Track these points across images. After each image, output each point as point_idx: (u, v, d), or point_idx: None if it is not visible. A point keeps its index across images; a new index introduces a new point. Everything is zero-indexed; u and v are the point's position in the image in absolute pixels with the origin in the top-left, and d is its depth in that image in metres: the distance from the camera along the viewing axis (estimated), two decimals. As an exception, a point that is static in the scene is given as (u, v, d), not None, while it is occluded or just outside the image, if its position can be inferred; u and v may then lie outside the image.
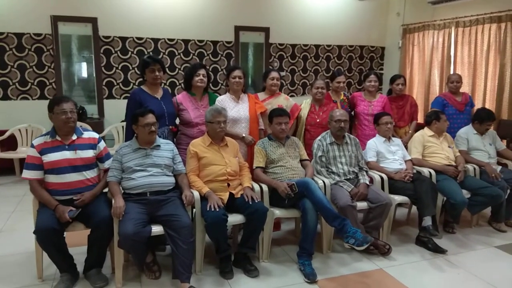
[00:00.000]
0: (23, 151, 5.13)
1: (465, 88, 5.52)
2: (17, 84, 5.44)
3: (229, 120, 3.17)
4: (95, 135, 2.78)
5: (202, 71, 3.25)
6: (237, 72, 3.35)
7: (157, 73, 3.07)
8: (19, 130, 5.24)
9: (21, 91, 5.47)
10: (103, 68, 5.79)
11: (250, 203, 2.78)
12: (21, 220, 3.72)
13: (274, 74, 3.62)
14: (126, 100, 5.98)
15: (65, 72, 5.74)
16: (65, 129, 2.60)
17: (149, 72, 3.07)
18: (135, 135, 2.82)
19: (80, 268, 2.68)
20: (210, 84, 3.47)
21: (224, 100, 3.36)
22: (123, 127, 5.47)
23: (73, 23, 5.59)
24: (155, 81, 3.10)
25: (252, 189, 2.95)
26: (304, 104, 3.81)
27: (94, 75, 5.81)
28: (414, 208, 3.59)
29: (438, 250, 3.17)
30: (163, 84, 3.34)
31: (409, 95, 4.64)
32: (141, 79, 5.75)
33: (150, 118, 2.73)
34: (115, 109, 5.77)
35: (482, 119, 3.84)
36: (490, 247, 3.31)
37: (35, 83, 5.51)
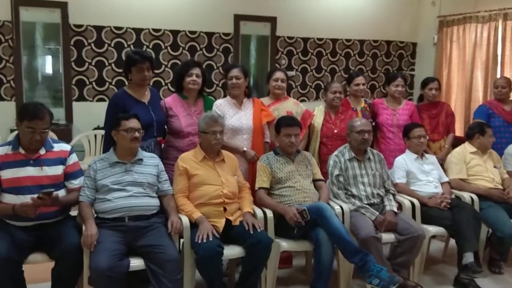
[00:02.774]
0: (-28, 164, 5.16)
1: (515, 95, 5.57)
2: (-33, 81, 5.50)
3: (227, 130, 3.22)
4: (67, 147, 2.82)
5: (195, 71, 3.30)
6: (234, 72, 3.40)
7: (146, 73, 3.12)
8: (-32, 137, 5.28)
9: (-28, 90, 5.53)
10: (73, 63, 5.83)
11: (251, 232, 2.80)
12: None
13: (278, 74, 3.68)
14: (99, 103, 6.05)
15: (27, 67, 5.78)
16: (30, 146, 2.64)
17: (136, 71, 3.10)
18: (112, 147, 2.86)
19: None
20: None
21: (223, 105, 3.41)
22: (95, 136, 5.52)
23: (38, 8, 5.65)
24: (142, 82, 3.16)
25: (254, 215, 2.97)
26: (317, 111, 3.86)
27: (62, 71, 5.85)
28: (452, 242, 3.59)
29: (482, 294, 3.17)
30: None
31: (445, 102, 4.69)
32: (118, 78, 5.91)
33: (135, 122, 2.79)
34: (87, 114, 5.80)
35: None
36: (546, 291, 3.32)
37: (-11, 81, 5.57)
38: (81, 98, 5.92)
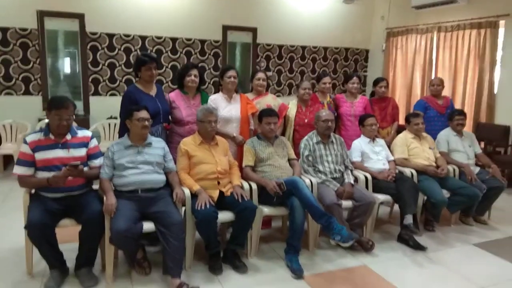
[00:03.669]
0: (7, 147, 5.09)
1: (445, 92, 5.67)
2: (1, 79, 5.35)
3: (220, 119, 3.23)
4: (89, 133, 2.80)
5: (194, 71, 3.30)
6: (232, 72, 3.41)
7: (153, 71, 3.11)
8: (3, 126, 5.19)
9: (5, 86, 5.38)
10: (89, 64, 5.75)
11: (240, 201, 2.84)
12: (7, 217, 3.65)
13: (260, 74, 3.70)
14: (111, 97, 5.99)
15: (51, 67, 5.68)
16: (57, 131, 2.62)
17: (145, 70, 3.09)
18: (127, 133, 2.86)
19: (69, 264, 2.69)
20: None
21: (216, 99, 3.41)
22: (109, 124, 5.47)
23: (60, 19, 5.53)
24: (150, 79, 3.15)
25: (242, 187, 3.01)
26: (291, 104, 3.89)
27: (80, 71, 5.76)
28: (396, 207, 3.71)
29: (418, 247, 3.28)
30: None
31: (391, 97, 4.77)
32: (127, 76, 5.84)
33: (145, 113, 2.78)
34: (101, 106, 5.75)
35: (451, 114, 4.00)
36: (468, 244, 3.46)
37: (20, 79, 5.43)
38: (96, 93, 5.86)
